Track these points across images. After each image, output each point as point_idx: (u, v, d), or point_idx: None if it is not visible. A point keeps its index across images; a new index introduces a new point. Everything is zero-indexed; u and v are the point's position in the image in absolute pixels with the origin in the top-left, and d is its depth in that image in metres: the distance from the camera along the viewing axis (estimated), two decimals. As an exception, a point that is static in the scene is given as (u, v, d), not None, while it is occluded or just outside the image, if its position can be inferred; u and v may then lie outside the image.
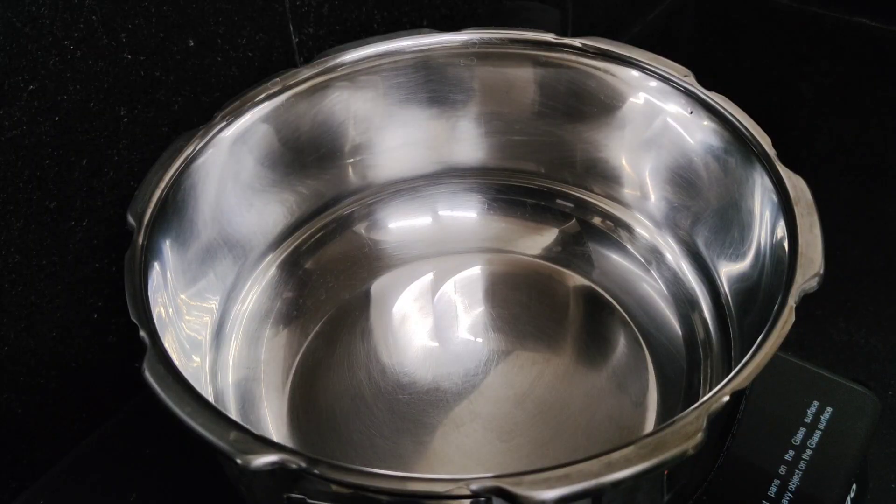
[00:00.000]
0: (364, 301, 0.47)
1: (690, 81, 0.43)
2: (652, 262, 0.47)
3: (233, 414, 0.40)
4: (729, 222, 0.42)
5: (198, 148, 0.41)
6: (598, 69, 0.46)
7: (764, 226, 0.38)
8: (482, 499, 0.27)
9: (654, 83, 0.44)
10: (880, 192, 0.60)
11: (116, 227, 0.42)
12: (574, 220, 0.50)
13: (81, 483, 0.43)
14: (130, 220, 0.37)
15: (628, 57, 0.45)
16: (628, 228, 0.48)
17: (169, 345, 0.33)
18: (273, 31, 0.47)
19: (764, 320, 0.33)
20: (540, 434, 0.41)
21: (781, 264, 0.35)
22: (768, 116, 0.41)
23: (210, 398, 0.36)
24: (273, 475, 0.28)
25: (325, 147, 0.48)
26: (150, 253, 0.36)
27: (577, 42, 0.46)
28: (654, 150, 0.46)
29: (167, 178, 0.39)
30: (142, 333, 0.32)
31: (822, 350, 0.49)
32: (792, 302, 0.32)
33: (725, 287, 0.42)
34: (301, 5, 0.48)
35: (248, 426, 0.29)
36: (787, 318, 0.31)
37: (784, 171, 0.37)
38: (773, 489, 0.39)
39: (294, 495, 0.28)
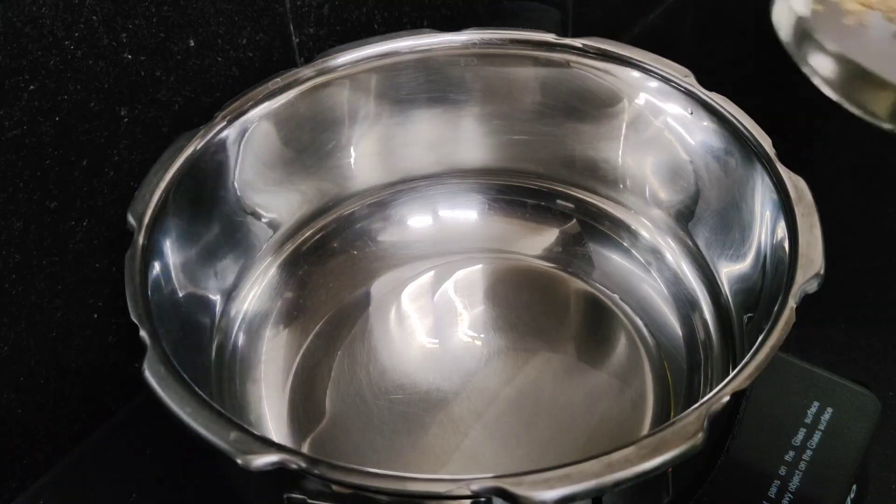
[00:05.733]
0: (364, 301, 0.47)
1: (691, 82, 0.43)
2: (652, 263, 0.47)
3: (233, 414, 0.40)
4: (729, 223, 0.42)
5: (198, 148, 0.41)
6: (599, 69, 0.46)
7: (764, 226, 0.38)
8: (482, 499, 0.27)
9: (654, 83, 0.44)
10: (880, 192, 0.60)
11: (116, 227, 0.42)
12: (574, 220, 0.50)
13: (81, 483, 0.43)
14: (130, 220, 0.37)
15: (629, 57, 0.45)
16: (628, 229, 0.48)
17: (169, 345, 0.33)
18: (273, 32, 0.47)
19: (764, 321, 0.33)
20: (540, 434, 0.41)
21: (782, 265, 0.35)
22: (768, 116, 0.41)
23: (210, 398, 0.37)
24: (273, 475, 0.28)
25: (326, 147, 0.48)
26: (150, 253, 0.36)
27: (577, 42, 0.46)
28: (655, 151, 0.46)
29: (168, 178, 0.39)
30: (142, 333, 0.32)
31: (823, 350, 0.49)
32: (792, 302, 0.32)
33: (726, 287, 0.42)
34: (301, 5, 0.47)
35: (248, 426, 0.29)
36: (788, 319, 0.31)
37: (784, 172, 0.37)
38: (774, 490, 0.39)
39: (294, 495, 0.28)
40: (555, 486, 0.26)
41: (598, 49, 0.46)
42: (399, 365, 0.44)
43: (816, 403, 0.42)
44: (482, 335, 0.45)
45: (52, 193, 0.39)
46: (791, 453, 0.40)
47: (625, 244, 0.48)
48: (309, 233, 0.48)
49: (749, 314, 0.39)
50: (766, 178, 0.38)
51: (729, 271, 0.42)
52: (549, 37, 0.46)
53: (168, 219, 0.38)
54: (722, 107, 0.41)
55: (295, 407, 0.42)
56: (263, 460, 0.27)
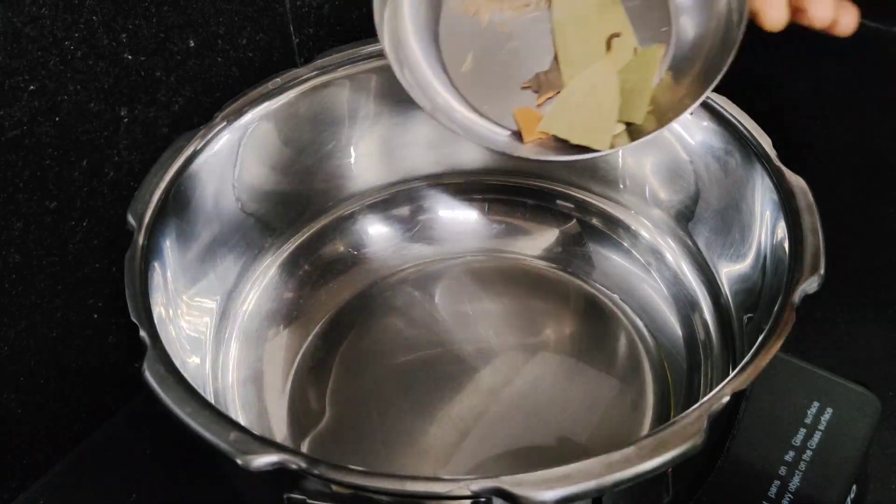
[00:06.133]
0: (364, 301, 0.47)
1: (691, 82, 0.43)
2: (652, 263, 0.47)
3: (233, 414, 0.40)
4: (729, 223, 0.42)
5: (198, 148, 0.41)
6: (599, 69, 0.46)
7: (764, 226, 0.38)
8: (482, 499, 0.27)
9: (654, 83, 0.44)
10: (880, 192, 0.60)
11: (116, 227, 0.42)
12: (574, 220, 0.50)
13: (81, 483, 0.43)
14: (130, 220, 0.37)
15: (629, 57, 0.45)
16: (628, 229, 0.48)
17: (169, 345, 0.33)
18: (273, 32, 0.47)
19: (764, 321, 0.33)
20: (540, 434, 0.41)
21: (782, 265, 0.35)
22: (768, 116, 0.41)
23: (210, 398, 0.37)
24: (273, 475, 0.28)
25: (326, 147, 0.48)
26: (150, 253, 0.36)
27: (577, 42, 0.46)
28: (655, 151, 0.46)
29: (167, 178, 0.39)
30: (142, 334, 0.32)
31: (823, 351, 0.49)
32: (792, 302, 0.32)
33: (726, 288, 0.42)
34: (301, 5, 0.47)
35: (248, 426, 0.29)
36: (788, 319, 0.31)
37: (785, 172, 0.37)
38: (774, 490, 0.39)
39: (294, 496, 0.28)
40: (555, 486, 0.26)
41: (598, 49, 0.45)
42: (398, 365, 0.44)
43: (816, 403, 0.41)
44: (482, 336, 0.45)
45: (52, 193, 0.39)
46: (791, 453, 0.40)
47: (625, 244, 0.48)
48: (309, 233, 0.48)
49: (749, 314, 0.39)
50: (766, 178, 0.38)
51: (729, 271, 0.42)
52: (550, 37, 0.46)
53: (168, 219, 0.38)
54: (722, 107, 0.41)
55: (295, 407, 0.42)
56: (263, 460, 0.27)
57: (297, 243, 0.48)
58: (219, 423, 0.29)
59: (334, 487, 0.28)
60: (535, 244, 0.50)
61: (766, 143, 0.39)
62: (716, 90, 0.42)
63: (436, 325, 0.46)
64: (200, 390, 0.31)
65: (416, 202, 0.51)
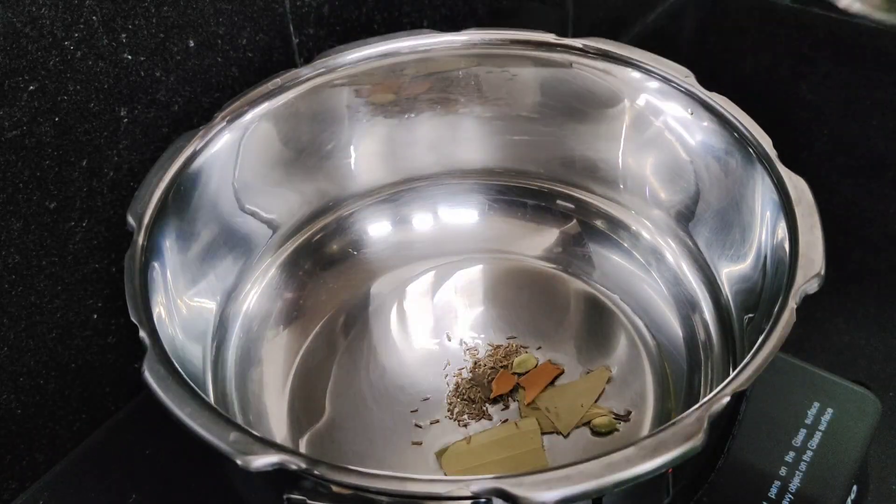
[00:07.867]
0: (364, 302, 0.47)
1: (691, 82, 0.43)
2: (652, 263, 0.47)
3: (233, 414, 0.40)
4: (729, 223, 0.42)
5: (198, 148, 0.41)
6: (599, 70, 0.46)
7: (765, 226, 0.38)
8: (482, 499, 0.27)
9: (654, 84, 0.44)
10: (880, 192, 0.60)
11: (116, 228, 0.42)
12: (574, 220, 0.50)
13: (81, 483, 0.43)
14: (130, 220, 0.37)
15: (629, 58, 0.45)
16: (628, 229, 0.48)
17: (169, 345, 0.33)
18: (273, 32, 0.47)
19: (764, 321, 0.33)
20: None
21: (782, 265, 0.35)
22: (768, 117, 0.41)
23: (210, 398, 0.37)
24: (273, 476, 0.28)
25: (326, 147, 0.48)
26: (150, 253, 0.36)
27: (577, 42, 0.46)
28: (655, 151, 0.46)
29: (167, 178, 0.39)
30: (142, 334, 0.32)
31: (823, 351, 0.49)
32: (793, 303, 0.32)
33: (726, 288, 0.42)
34: (301, 5, 0.47)
35: (248, 427, 0.29)
36: (788, 319, 0.31)
37: (785, 172, 0.37)
38: (774, 490, 0.39)
39: (294, 496, 0.28)
40: (554, 486, 0.26)
41: (599, 49, 0.45)
42: (399, 365, 0.44)
43: (816, 404, 0.41)
44: (482, 335, 0.45)
45: (51, 194, 0.39)
46: (791, 454, 0.40)
47: (625, 244, 0.48)
48: (309, 233, 0.48)
49: (749, 315, 0.39)
50: (767, 179, 0.38)
51: (729, 272, 0.42)
52: (549, 37, 0.46)
53: (168, 219, 0.38)
54: (722, 107, 0.41)
55: (295, 407, 0.42)
56: (263, 461, 0.27)
57: (297, 243, 0.48)
58: (219, 423, 0.29)
59: (334, 488, 0.28)
60: (535, 244, 0.50)
61: (766, 143, 0.39)
62: (716, 91, 0.42)
63: (436, 325, 0.46)
64: (200, 390, 0.31)
65: (416, 202, 0.51)
